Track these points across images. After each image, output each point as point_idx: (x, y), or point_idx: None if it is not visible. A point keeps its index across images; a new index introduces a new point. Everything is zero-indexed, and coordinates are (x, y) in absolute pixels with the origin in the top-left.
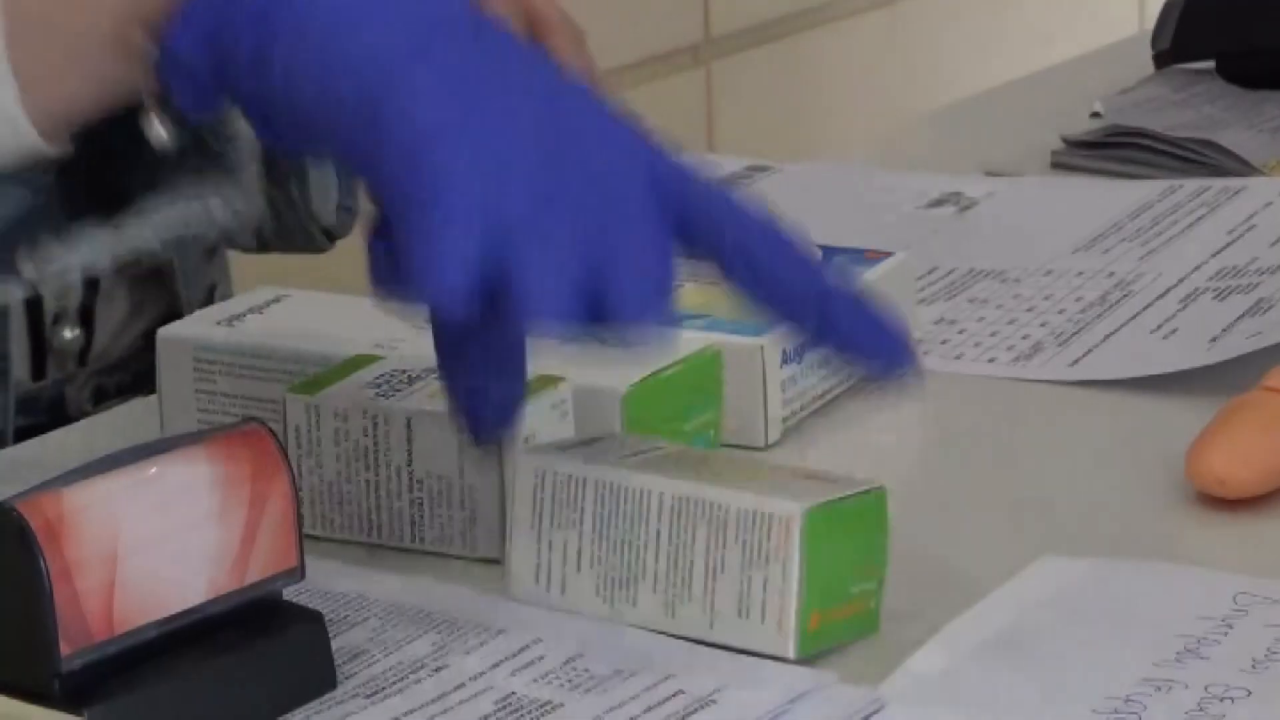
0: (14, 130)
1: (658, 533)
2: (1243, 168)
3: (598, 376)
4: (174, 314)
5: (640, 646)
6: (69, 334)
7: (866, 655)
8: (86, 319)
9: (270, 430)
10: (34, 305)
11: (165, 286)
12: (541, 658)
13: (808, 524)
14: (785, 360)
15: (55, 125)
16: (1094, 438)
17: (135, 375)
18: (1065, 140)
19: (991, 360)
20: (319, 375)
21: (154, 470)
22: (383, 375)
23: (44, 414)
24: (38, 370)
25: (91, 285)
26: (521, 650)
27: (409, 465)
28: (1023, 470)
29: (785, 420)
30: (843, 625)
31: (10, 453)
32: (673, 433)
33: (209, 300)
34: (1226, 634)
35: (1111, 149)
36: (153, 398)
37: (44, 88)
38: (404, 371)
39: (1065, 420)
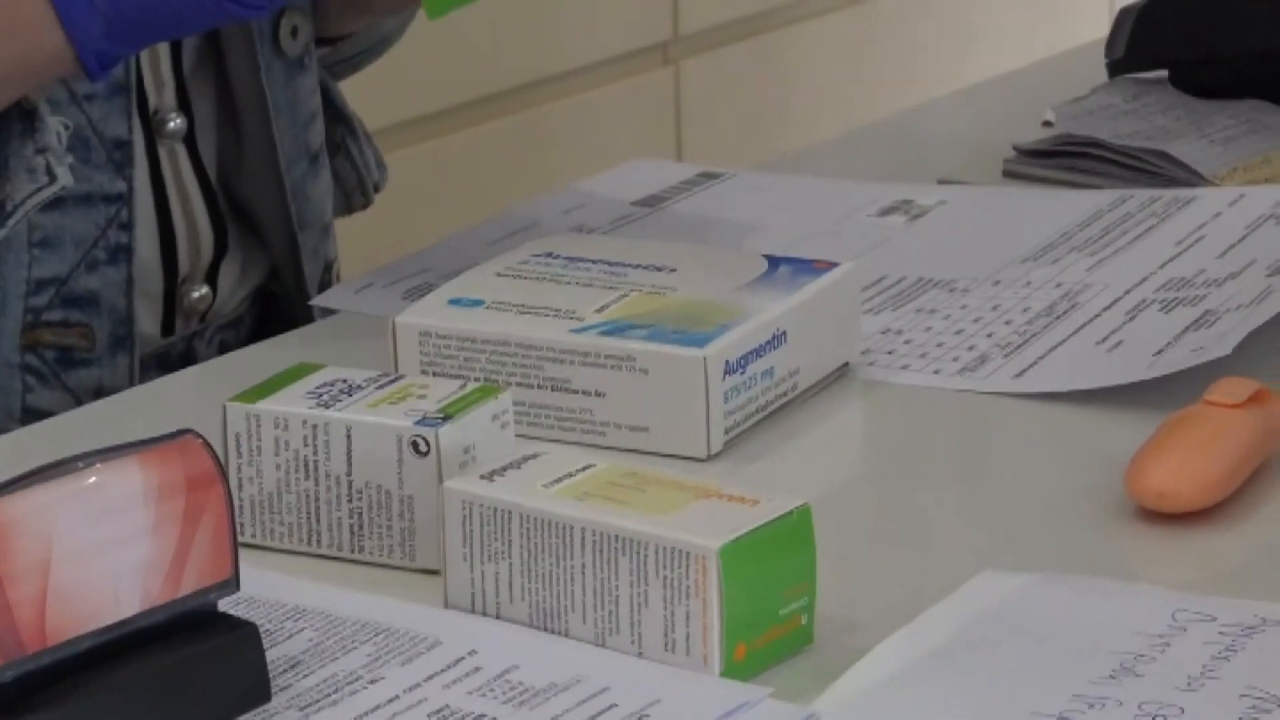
0: None
1: (583, 566)
2: (1193, 178)
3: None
4: (273, 276)
5: (575, 659)
6: (197, 293)
7: (803, 667)
8: (211, 279)
9: (206, 441)
10: (170, 266)
11: (265, 251)
12: (477, 669)
13: (725, 559)
14: (728, 371)
15: None
16: (1035, 451)
17: (250, 330)
18: (1017, 149)
19: (937, 371)
20: (261, 384)
21: (89, 481)
22: (323, 385)
23: (176, 369)
24: (167, 327)
25: (221, 247)
26: (457, 662)
27: (348, 475)
28: (964, 483)
29: (728, 431)
30: (773, 648)
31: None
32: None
33: (327, 273)
34: (1164, 651)
35: (1063, 158)
36: (269, 343)
37: None
38: (344, 381)
39: (1007, 433)
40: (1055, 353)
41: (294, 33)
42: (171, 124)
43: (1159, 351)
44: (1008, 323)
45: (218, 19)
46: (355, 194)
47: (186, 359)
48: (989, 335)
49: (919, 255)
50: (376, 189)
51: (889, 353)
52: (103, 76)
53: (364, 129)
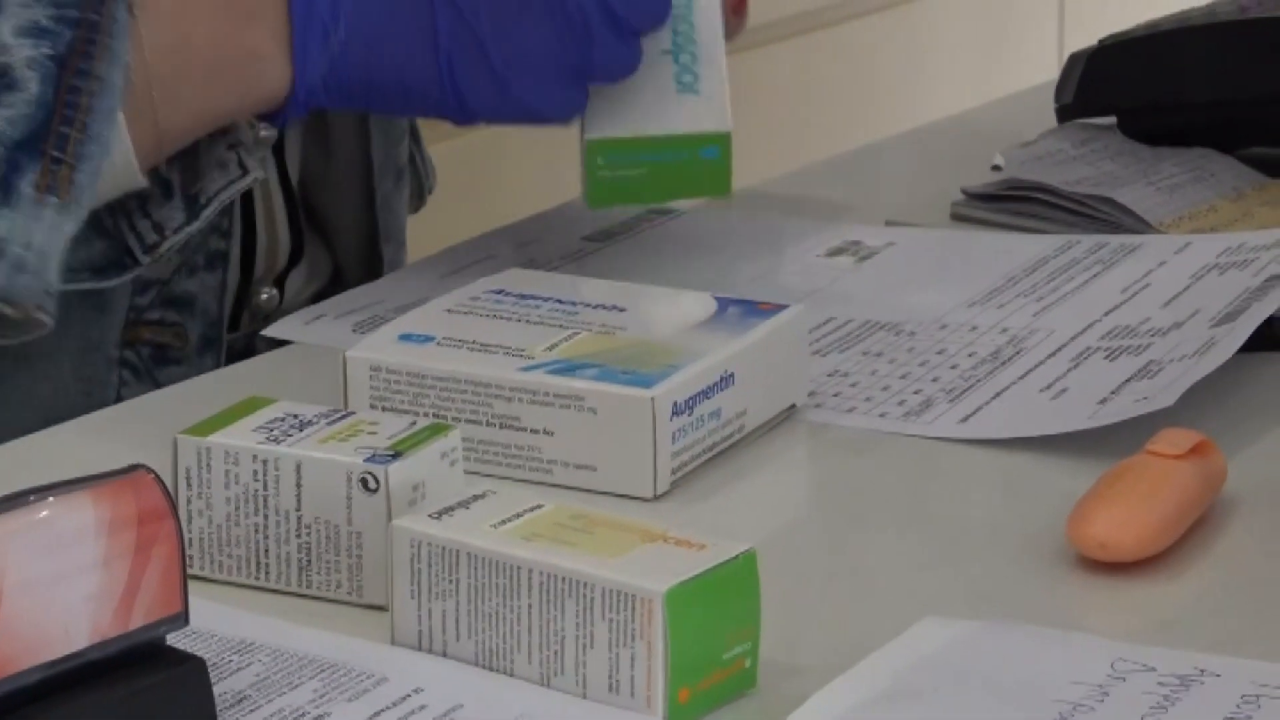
0: (129, 179)
1: (529, 606)
2: (1140, 225)
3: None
4: (335, 280)
5: (520, 699)
6: (265, 295)
7: (745, 711)
8: (280, 282)
9: (157, 477)
10: (246, 268)
11: (331, 257)
12: (423, 707)
13: (670, 603)
14: (676, 412)
15: (155, 163)
16: (979, 498)
17: None
18: (965, 192)
19: (883, 415)
20: (212, 417)
21: (40, 515)
22: (274, 419)
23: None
24: (232, 324)
25: (296, 254)
26: (403, 699)
27: (298, 510)
28: (908, 529)
29: (675, 471)
30: (717, 691)
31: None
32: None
33: None
34: (1102, 701)
35: (1011, 202)
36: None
37: (164, 141)
38: (295, 416)
39: (951, 479)
40: (1000, 399)
41: None
42: (264, 132)
43: (1102, 400)
44: (953, 367)
45: (432, 110)
46: (414, 198)
47: (246, 355)
48: (934, 380)
49: (866, 297)
50: (430, 191)
51: (835, 395)
52: (294, 118)
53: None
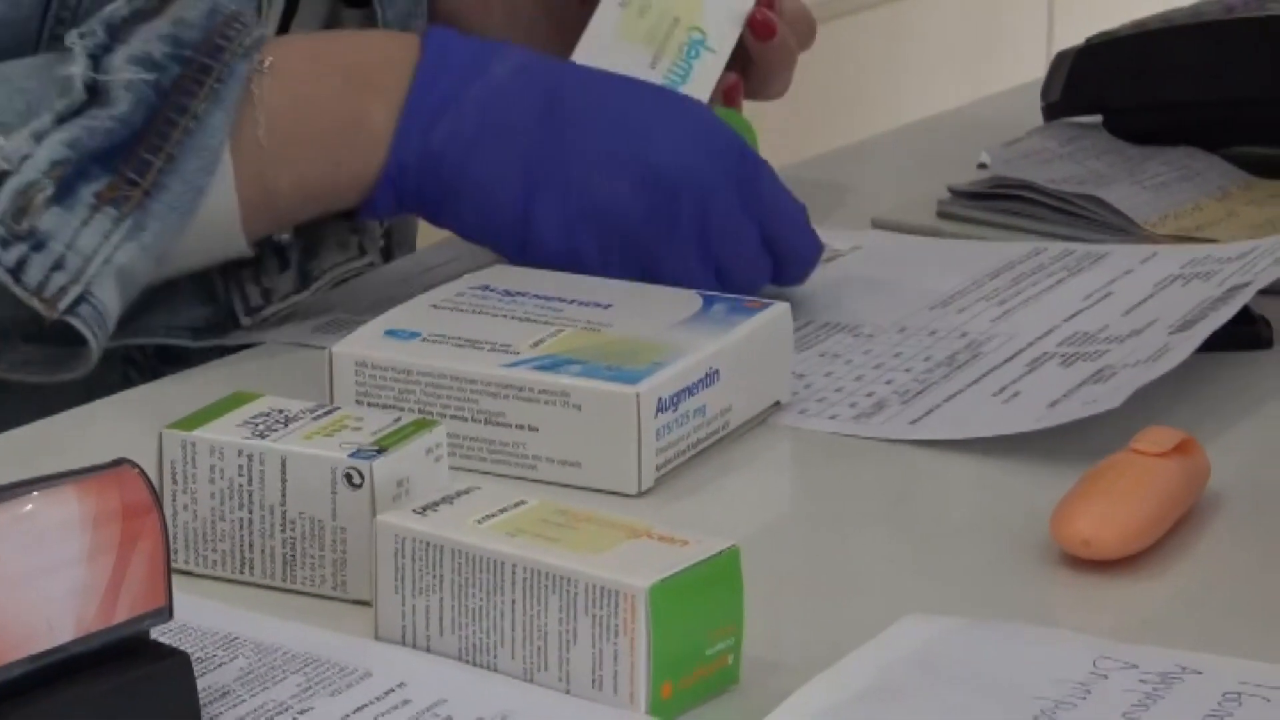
0: (233, 240)
1: (513, 602)
2: (1125, 224)
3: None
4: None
5: (504, 695)
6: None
7: (728, 707)
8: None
9: (142, 471)
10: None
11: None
12: (406, 702)
13: (654, 599)
14: (660, 408)
15: (261, 230)
16: (962, 496)
17: None
18: (951, 190)
19: (833, 416)
20: (197, 412)
21: (25, 509)
22: (260, 414)
23: None
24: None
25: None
26: (386, 694)
27: (282, 505)
28: (892, 527)
29: (659, 468)
30: (699, 687)
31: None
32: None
33: None
34: (1084, 698)
35: (997, 200)
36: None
37: (273, 204)
38: (281, 411)
39: (935, 477)
40: (951, 402)
41: None
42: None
43: (1053, 403)
44: (907, 370)
45: (494, 235)
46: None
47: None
48: (888, 382)
49: (828, 300)
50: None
51: (792, 394)
52: (385, 204)
53: None
